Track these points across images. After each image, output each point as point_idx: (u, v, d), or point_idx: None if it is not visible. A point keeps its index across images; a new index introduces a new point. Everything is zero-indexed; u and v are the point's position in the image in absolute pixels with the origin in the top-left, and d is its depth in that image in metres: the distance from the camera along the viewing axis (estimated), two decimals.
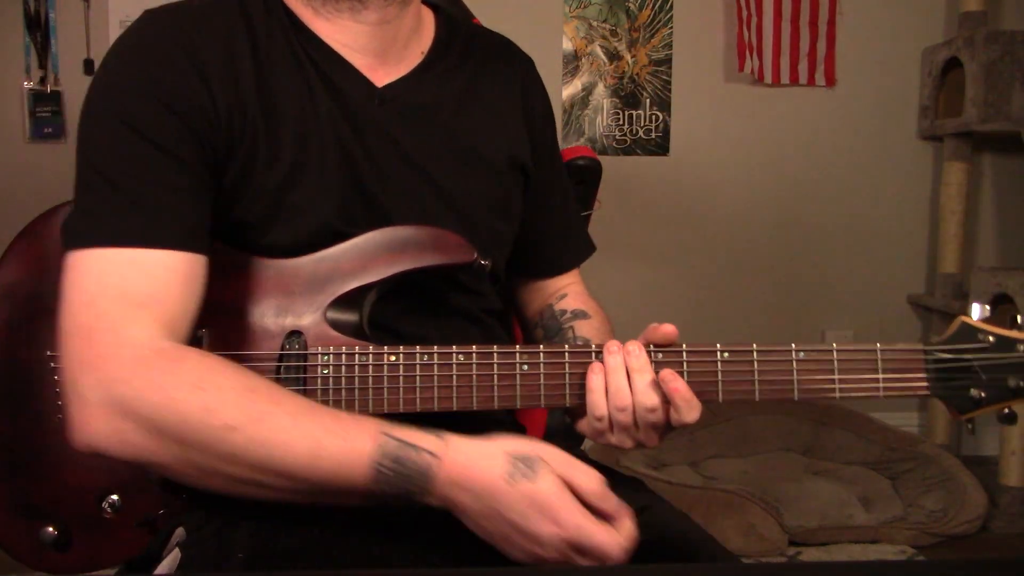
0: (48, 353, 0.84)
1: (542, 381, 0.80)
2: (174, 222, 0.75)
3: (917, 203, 2.83)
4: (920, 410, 2.86)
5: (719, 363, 0.79)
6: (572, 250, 1.05)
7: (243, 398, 0.69)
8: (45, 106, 2.48)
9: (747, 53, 2.66)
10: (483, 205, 0.90)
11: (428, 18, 0.94)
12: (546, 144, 1.00)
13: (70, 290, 0.74)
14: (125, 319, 0.72)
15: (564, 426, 1.04)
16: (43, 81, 2.48)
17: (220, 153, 0.80)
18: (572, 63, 2.71)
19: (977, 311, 0.78)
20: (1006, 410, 0.77)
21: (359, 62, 0.86)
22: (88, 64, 2.50)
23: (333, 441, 0.68)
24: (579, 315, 0.98)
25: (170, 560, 0.81)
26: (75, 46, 2.50)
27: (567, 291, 1.02)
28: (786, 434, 2.59)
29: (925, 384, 0.77)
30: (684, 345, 0.79)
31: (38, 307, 0.85)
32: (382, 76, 0.87)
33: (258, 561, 0.74)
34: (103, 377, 0.70)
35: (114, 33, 2.50)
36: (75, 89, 2.50)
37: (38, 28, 2.47)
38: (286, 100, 0.82)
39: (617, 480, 0.81)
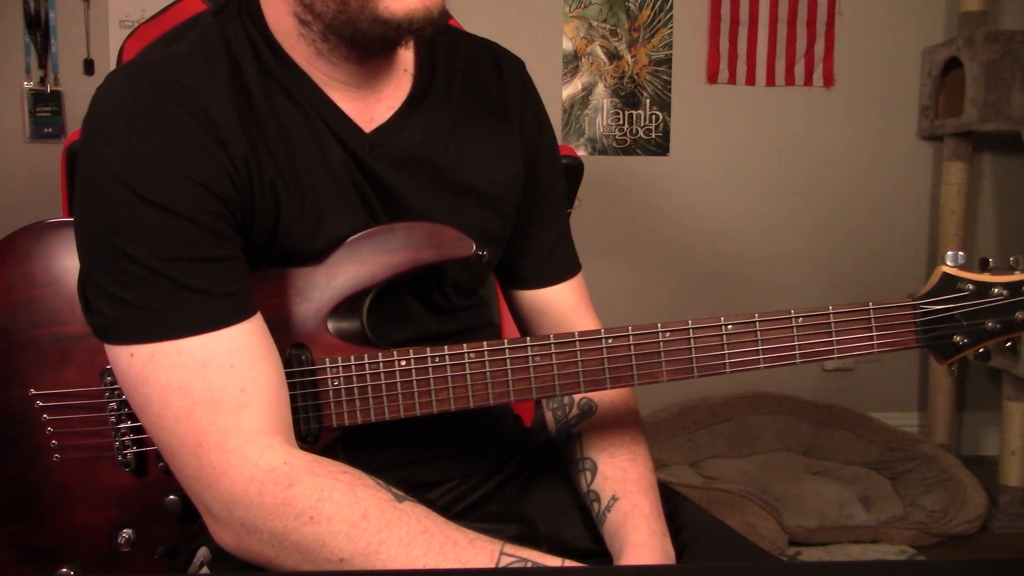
0: (32, 392, 0.82)
1: (556, 372, 0.80)
2: (229, 296, 0.73)
3: (917, 203, 2.83)
4: (920, 410, 2.86)
5: (724, 336, 0.80)
6: (563, 259, 0.98)
7: (354, 529, 0.69)
8: (45, 106, 2.48)
9: (719, 65, 2.67)
10: (482, 239, 0.87)
11: None
12: (541, 153, 0.95)
13: (148, 399, 0.72)
14: (228, 432, 0.71)
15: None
16: (43, 81, 2.48)
17: (246, 214, 0.77)
18: (572, 63, 2.70)
19: (952, 258, 0.81)
20: (981, 349, 0.82)
21: (348, 101, 0.82)
22: (88, 64, 2.50)
23: (449, 564, 0.68)
24: (586, 413, 0.95)
25: None
26: (75, 46, 2.50)
27: (564, 313, 0.97)
28: (786, 434, 2.59)
29: (915, 337, 0.81)
30: (690, 322, 0.80)
31: (13, 343, 0.82)
32: (370, 113, 0.83)
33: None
34: (221, 497, 0.71)
35: (114, 33, 2.50)
36: (75, 89, 2.50)
37: (38, 28, 2.47)
38: (297, 150, 0.79)
39: None
